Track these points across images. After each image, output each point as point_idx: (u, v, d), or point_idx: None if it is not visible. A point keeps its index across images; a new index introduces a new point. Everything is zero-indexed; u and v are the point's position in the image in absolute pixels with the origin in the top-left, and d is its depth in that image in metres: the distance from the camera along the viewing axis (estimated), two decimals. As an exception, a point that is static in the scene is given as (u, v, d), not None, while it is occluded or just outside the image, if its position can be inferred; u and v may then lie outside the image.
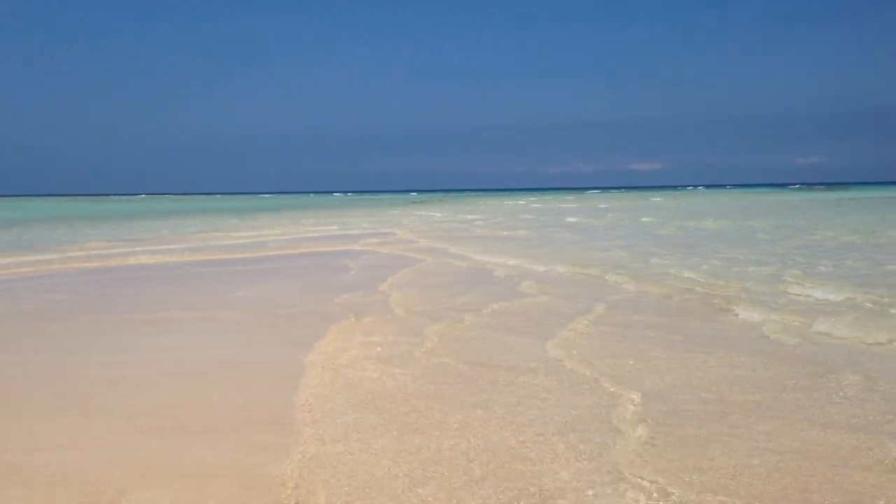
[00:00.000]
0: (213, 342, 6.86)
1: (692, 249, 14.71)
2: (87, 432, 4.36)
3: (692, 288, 9.38)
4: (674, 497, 3.34)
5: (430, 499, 3.39)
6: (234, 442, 4.16)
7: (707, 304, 8.30)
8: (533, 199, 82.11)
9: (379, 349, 6.36)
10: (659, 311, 7.98)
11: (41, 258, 15.73)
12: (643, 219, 28.90)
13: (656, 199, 69.06)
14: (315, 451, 3.99)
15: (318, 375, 5.51)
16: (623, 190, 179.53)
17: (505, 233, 22.06)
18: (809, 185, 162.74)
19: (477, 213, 39.46)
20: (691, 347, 6.27)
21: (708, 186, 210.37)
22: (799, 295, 8.64)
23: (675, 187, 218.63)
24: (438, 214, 39.75)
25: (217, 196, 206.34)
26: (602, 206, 50.99)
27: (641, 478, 3.54)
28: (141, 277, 12.18)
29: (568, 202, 62.68)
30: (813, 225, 22.00)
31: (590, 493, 3.41)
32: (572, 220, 29.57)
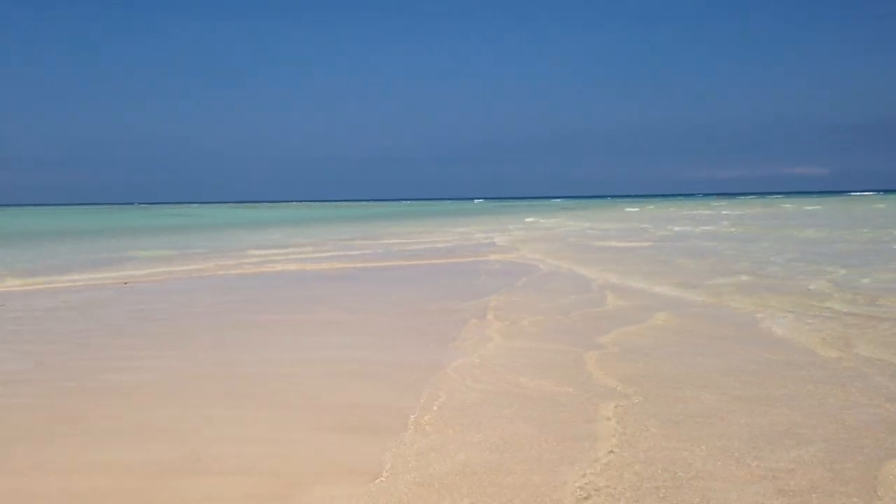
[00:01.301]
0: (368, 343, 7.06)
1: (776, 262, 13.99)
2: (262, 427, 4.54)
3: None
4: None
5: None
6: (398, 441, 4.21)
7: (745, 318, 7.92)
8: (690, 205, 79.32)
9: (513, 356, 6.42)
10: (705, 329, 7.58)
11: (213, 264, 16.92)
12: (730, 229, 27.70)
13: (787, 205, 64.20)
14: (474, 456, 3.97)
15: (465, 379, 5.54)
16: (780, 195, 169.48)
17: (604, 244, 21.79)
18: None
19: (595, 221, 38.71)
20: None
21: (884, 192, 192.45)
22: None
23: (842, 192, 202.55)
24: (550, 222, 39.25)
25: (363, 203, 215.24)
26: (725, 212, 49.10)
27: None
28: (302, 281, 12.82)
29: (712, 208, 60.04)
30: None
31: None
32: (678, 229, 28.91)
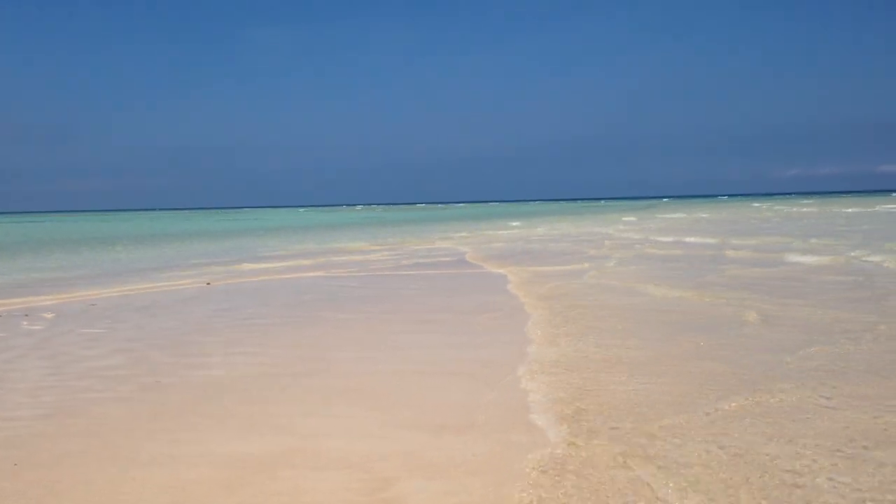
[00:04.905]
0: (455, 343, 7.16)
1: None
2: (357, 423, 4.68)
3: None
4: None
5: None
6: (484, 439, 4.30)
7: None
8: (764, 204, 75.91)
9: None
10: None
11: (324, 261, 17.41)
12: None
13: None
14: (560, 452, 4.03)
15: (542, 379, 5.58)
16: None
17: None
18: None
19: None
20: None
21: None
22: None
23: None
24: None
25: (461, 205, 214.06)
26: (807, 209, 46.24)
27: None
28: (386, 279, 13.09)
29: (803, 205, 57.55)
30: None
31: None
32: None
